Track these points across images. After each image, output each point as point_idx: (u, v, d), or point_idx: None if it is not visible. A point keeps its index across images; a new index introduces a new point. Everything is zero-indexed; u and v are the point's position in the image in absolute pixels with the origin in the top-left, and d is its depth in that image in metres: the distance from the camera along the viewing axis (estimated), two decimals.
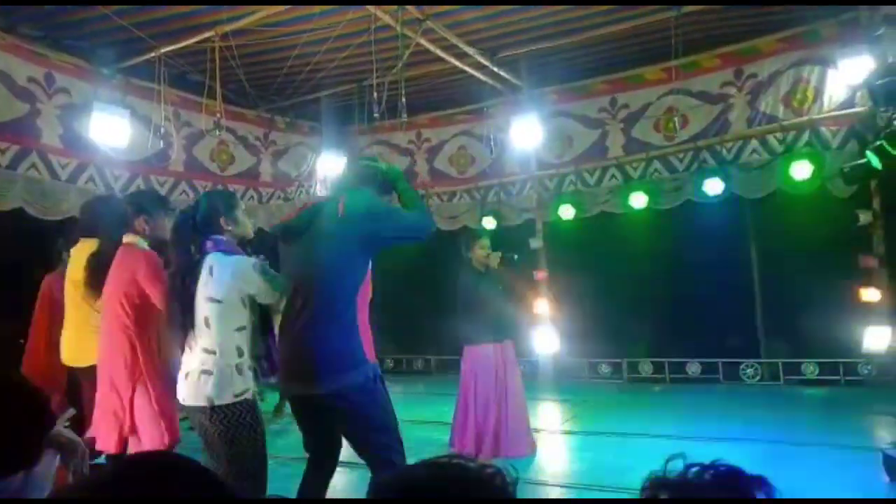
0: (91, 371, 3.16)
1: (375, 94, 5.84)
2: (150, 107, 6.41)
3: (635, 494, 0.76)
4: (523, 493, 0.78)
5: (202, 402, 2.38)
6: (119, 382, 2.95)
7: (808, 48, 6.30)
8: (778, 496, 0.70)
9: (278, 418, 5.76)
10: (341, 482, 4.35)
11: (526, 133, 6.82)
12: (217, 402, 2.36)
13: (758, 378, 7.01)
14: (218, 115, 6.06)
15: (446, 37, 5.90)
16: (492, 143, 7.87)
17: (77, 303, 3.37)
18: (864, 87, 5.59)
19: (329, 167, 7.92)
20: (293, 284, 2.51)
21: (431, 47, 6.08)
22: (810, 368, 6.79)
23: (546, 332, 7.53)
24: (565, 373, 7.79)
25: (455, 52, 6.33)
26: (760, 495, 0.70)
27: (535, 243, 7.80)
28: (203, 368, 2.39)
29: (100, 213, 3.49)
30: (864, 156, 5.15)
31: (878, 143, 4.58)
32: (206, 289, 2.42)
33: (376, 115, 5.85)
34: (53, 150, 5.91)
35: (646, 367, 7.54)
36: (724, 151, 6.75)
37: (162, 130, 6.35)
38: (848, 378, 6.54)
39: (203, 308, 2.43)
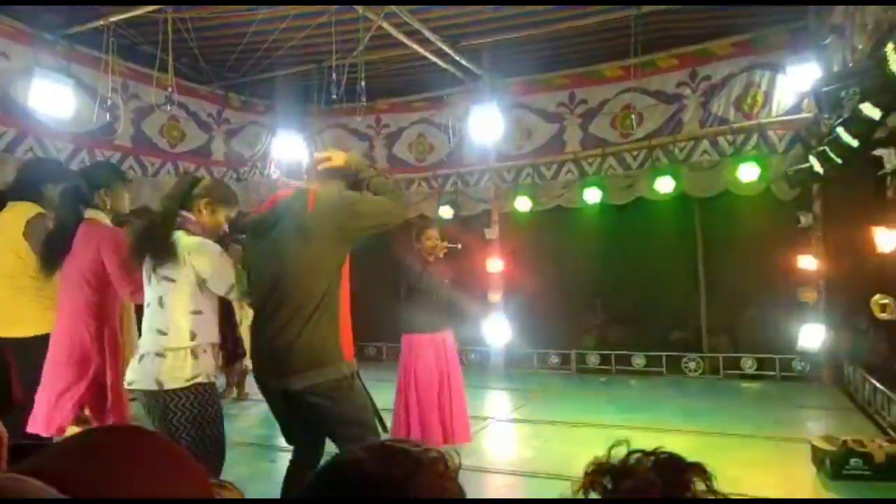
0: (26, 343, 3.05)
1: (334, 76, 5.75)
2: (97, 77, 6.13)
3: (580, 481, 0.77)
4: (472, 480, 0.78)
5: (149, 386, 2.30)
6: (80, 360, 2.83)
7: (759, 53, 6.50)
8: (714, 482, 0.72)
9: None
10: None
11: (485, 123, 6.83)
12: (167, 386, 2.29)
13: (699, 371, 7.25)
14: (169, 88, 5.84)
15: (409, 21, 5.83)
16: (451, 132, 7.85)
17: (11, 271, 3.20)
18: (810, 94, 5.80)
19: (284, 148, 7.77)
20: (266, 281, 2.44)
21: (393, 31, 6.01)
22: (748, 363, 7.05)
23: (497, 322, 7.59)
24: (515, 363, 7.88)
25: (417, 38, 6.27)
26: (698, 481, 0.71)
27: (491, 234, 7.84)
28: (156, 350, 2.33)
29: (41, 177, 3.31)
30: (807, 160, 5.36)
31: (821, 148, 4.76)
32: (163, 267, 2.34)
33: (335, 97, 5.75)
34: None
35: (593, 359, 7.70)
36: (677, 151, 6.91)
37: (108, 102, 6.08)
38: (783, 373, 6.83)
39: (159, 287, 2.35)
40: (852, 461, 3.56)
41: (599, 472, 0.73)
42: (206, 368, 2.39)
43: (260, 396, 2.69)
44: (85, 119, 6.09)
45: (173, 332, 2.34)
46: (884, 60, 3.17)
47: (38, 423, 2.80)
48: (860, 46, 4.14)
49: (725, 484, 0.77)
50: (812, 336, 6.35)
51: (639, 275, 7.35)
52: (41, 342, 3.01)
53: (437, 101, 8.05)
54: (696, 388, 6.83)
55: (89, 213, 2.95)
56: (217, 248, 2.44)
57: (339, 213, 2.43)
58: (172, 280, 2.36)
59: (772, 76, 6.42)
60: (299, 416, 2.53)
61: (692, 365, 7.28)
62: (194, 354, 2.35)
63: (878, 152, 4.22)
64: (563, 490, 0.78)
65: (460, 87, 7.57)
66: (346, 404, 2.43)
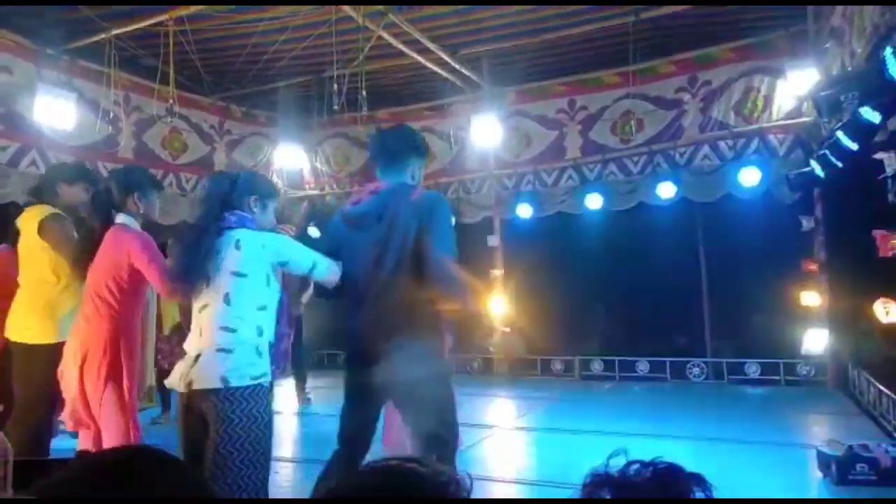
0: (28, 349, 3.04)
1: (335, 87, 5.78)
2: (99, 90, 6.18)
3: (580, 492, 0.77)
4: (476, 489, 0.78)
5: (214, 384, 2.18)
6: (91, 369, 2.75)
7: (759, 58, 6.52)
8: (715, 494, 0.72)
9: None
10: (298, 479, 4.30)
11: (485, 131, 6.85)
12: (233, 384, 2.18)
13: (703, 377, 7.22)
14: (171, 101, 5.88)
15: (408, 31, 5.86)
16: (451, 141, 7.87)
17: (35, 274, 3.14)
18: (809, 98, 5.81)
19: (286, 158, 7.80)
20: (369, 271, 2.41)
21: (393, 41, 6.04)
22: (753, 368, 7.03)
23: (502, 329, 7.58)
24: (519, 370, 7.87)
25: (417, 48, 6.30)
26: (698, 492, 0.71)
27: (493, 241, 7.85)
28: (220, 347, 2.23)
29: (56, 178, 3.26)
30: (808, 164, 5.36)
31: (822, 152, 4.77)
32: (231, 263, 2.28)
33: (336, 107, 5.78)
34: None
35: (597, 365, 7.68)
36: (678, 156, 6.92)
37: (110, 115, 6.12)
38: (788, 378, 6.80)
39: (225, 283, 2.28)
40: (858, 466, 3.54)
41: (598, 483, 0.73)
42: (268, 368, 2.32)
43: None
44: (87, 132, 6.13)
45: (242, 328, 2.27)
46: (883, 64, 3.18)
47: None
48: (859, 50, 4.15)
49: (731, 490, 0.77)
50: (816, 340, 6.33)
51: (641, 280, 7.34)
52: (43, 351, 2.99)
53: (438, 110, 8.08)
54: (701, 393, 6.80)
55: (120, 218, 2.84)
56: (287, 237, 2.48)
57: (435, 218, 2.42)
58: (243, 275, 2.30)
59: (771, 81, 6.43)
60: (376, 412, 2.53)
61: (696, 370, 7.26)
62: (259, 352, 2.29)
63: (878, 156, 4.22)
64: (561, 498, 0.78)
65: (460, 96, 7.60)
66: (433, 399, 2.44)
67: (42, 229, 3.07)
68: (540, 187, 7.64)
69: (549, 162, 7.61)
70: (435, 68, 6.77)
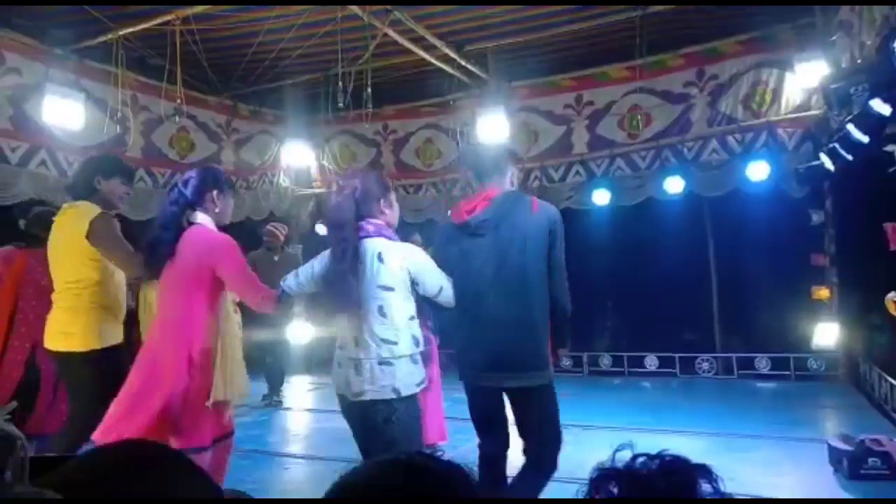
0: (73, 358, 2.91)
1: (341, 84, 5.78)
2: (107, 90, 6.21)
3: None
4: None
5: (387, 395, 2.31)
6: (173, 374, 2.60)
7: (767, 51, 6.46)
8: (721, 484, 0.72)
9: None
10: (306, 476, 4.32)
11: (492, 127, 6.83)
12: (403, 393, 2.32)
13: (713, 372, 7.20)
14: (178, 100, 5.90)
15: (414, 28, 5.86)
16: (458, 137, 7.86)
17: (72, 277, 2.96)
18: (818, 90, 5.76)
19: (293, 156, 7.81)
20: (487, 279, 2.48)
21: (399, 38, 6.03)
22: (763, 363, 7.00)
23: None
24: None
25: (423, 44, 6.29)
26: (704, 483, 0.71)
27: None
28: (383, 359, 2.33)
29: (94, 172, 3.06)
30: (817, 158, 5.32)
31: (832, 145, 4.73)
32: (378, 276, 2.35)
33: (342, 105, 5.78)
34: (3, 132, 5.68)
35: (605, 361, 7.66)
36: (686, 150, 6.88)
37: (119, 115, 6.15)
38: (798, 372, 6.77)
39: (376, 296, 2.35)
40: (870, 461, 3.53)
41: (604, 477, 0.73)
42: (424, 373, 2.44)
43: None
44: (96, 132, 6.16)
45: (401, 339, 2.36)
46: (893, 56, 3.15)
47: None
48: (868, 42, 4.11)
49: (742, 485, 0.77)
50: (826, 334, 6.29)
51: (649, 276, 7.31)
52: (91, 358, 2.89)
53: (444, 107, 8.07)
54: (710, 388, 6.78)
55: (197, 218, 2.71)
56: (420, 251, 2.52)
57: (554, 228, 2.56)
58: (391, 288, 2.37)
59: (780, 74, 6.37)
60: (501, 413, 2.61)
61: (705, 365, 7.23)
62: (415, 360, 2.39)
63: (888, 148, 4.18)
64: (573, 494, 0.78)
65: (467, 92, 7.58)
66: (546, 409, 2.57)
67: (93, 230, 2.87)
68: (547, 183, 7.61)
69: (556, 157, 7.58)
70: (441, 65, 6.75)
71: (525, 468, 2.60)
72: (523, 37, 6.43)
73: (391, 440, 2.30)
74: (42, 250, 3.21)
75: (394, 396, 2.31)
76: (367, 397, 2.32)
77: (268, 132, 8.31)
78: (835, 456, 3.70)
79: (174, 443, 2.51)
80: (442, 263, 2.52)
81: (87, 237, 2.87)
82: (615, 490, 0.72)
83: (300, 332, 8.49)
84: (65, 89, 5.58)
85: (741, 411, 5.57)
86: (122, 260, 2.90)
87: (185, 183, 2.70)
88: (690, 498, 0.70)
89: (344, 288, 2.33)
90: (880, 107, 3.64)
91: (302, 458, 4.62)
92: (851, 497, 3.41)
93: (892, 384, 4.92)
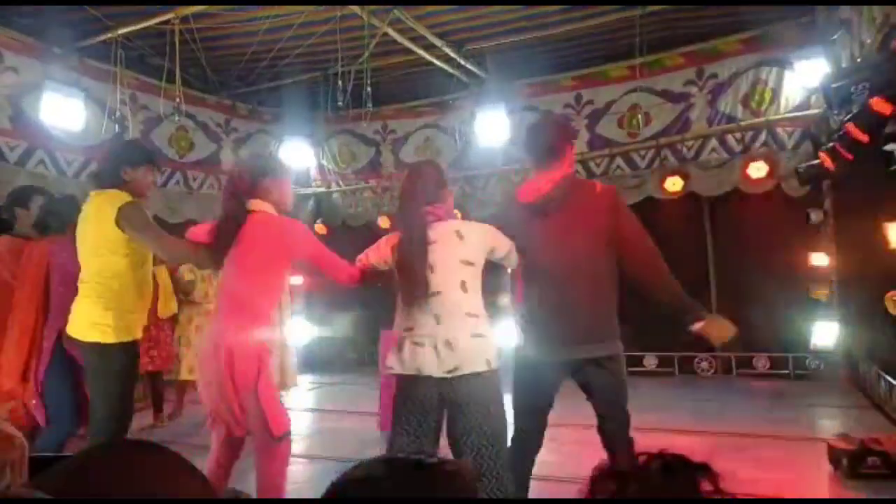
0: (102, 349, 2.85)
1: (340, 83, 5.77)
2: (106, 89, 6.20)
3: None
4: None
5: (480, 367, 2.36)
6: (256, 363, 2.59)
7: (767, 50, 6.46)
8: (721, 483, 0.71)
9: None
10: (305, 476, 4.32)
11: (491, 127, 6.83)
12: (493, 365, 2.40)
13: (712, 371, 7.20)
14: (177, 99, 5.89)
15: (413, 27, 5.85)
16: (457, 136, 7.85)
17: (102, 267, 2.89)
18: (819, 89, 5.75)
19: (292, 155, 7.80)
20: (559, 255, 2.56)
21: (398, 37, 6.03)
22: (761, 362, 7.00)
23: (508, 323, 7.57)
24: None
25: (422, 44, 6.29)
26: (706, 483, 0.71)
27: None
28: (474, 332, 2.39)
29: (120, 161, 2.99)
30: (817, 157, 5.31)
31: (831, 144, 4.72)
32: (459, 251, 2.43)
33: (341, 104, 5.78)
34: (1, 131, 5.66)
35: None
36: (685, 150, 6.88)
37: (118, 114, 6.14)
38: (797, 372, 6.77)
39: (458, 271, 2.42)
40: (869, 460, 3.52)
41: (605, 476, 0.72)
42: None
43: None
44: (95, 131, 6.15)
45: (482, 313, 2.46)
46: (894, 54, 3.15)
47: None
48: (869, 41, 4.11)
49: (741, 485, 0.76)
50: (825, 334, 6.29)
51: None
52: (121, 349, 2.86)
53: (443, 106, 8.06)
54: (709, 387, 6.77)
55: (255, 205, 2.70)
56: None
57: (613, 210, 2.62)
58: (472, 263, 2.46)
59: (780, 73, 6.37)
60: (557, 392, 2.71)
61: (704, 365, 7.23)
62: (493, 332, 2.50)
63: (889, 147, 4.17)
64: (573, 493, 0.78)
65: (466, 92, 7.57)
66: (620, 377, 2.66)
67: (123, 215, 2.80)
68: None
69: None
70: (440, 64, 6.75)
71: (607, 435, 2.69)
72: (523, 36, 6.43)
73: (486, 412, 2.35)
74: (64, 237, 3.22)
75: (486, 368, 2.37)
76: (464, 371, 2.35)
77: (267, 131, 8.30)
78: (834, 455, 3.70)
79: (266, 430, 2.54)
80: (518, 244, 2.61)
81: (117, 223, 2.80)
82: (615, 489, 0.71)
83: (299, 332, 8.50)
84: (64, 88, 5.57)
85: (740, 410, 5.57)
86: (155, 244, 2.85)
87: (240, 174, 2.76)
88: (691, 497, 0.69)
89: (415, 273, 2.40)
90: (881, 106, 3.63)
91: (302, 457, 4.62)
92: (851, 496, 3.41)
93: (891, 383, 4.92)
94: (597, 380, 2.63)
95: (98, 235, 2.87)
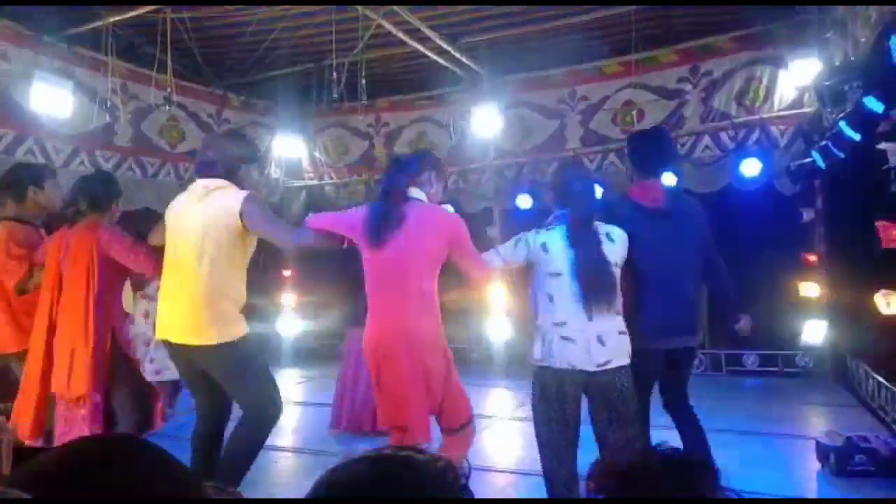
0: (226, 349, 2.72)
1: (334, 75, 5.74)
2: (96, 78, 6.13)
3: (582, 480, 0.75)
4: (474, 479, 0.76)
5: (625, 361, 2.58)
6: (439, 353, 2.60)
7: (761, 48, 6.46)
8: (720, 479, 0.70)
9: None
10: (294, 469, 4.30)
11: (485, 121, 6.81)
12: (630, 359, 2.61)
13: (701, 368, 7.22)
14: (168, 89, 5.84)
15: (408, 20, 5.81)
16: (451, 130, 7.82)
17: (222, 257, 2.74)
18: (812, 88, 5.77)
19: (285, 148, 7.76)
20: (669, 256, 2.85)
21: (393, 29, 5.99)
22: (751, 360, 7.03)
23: (498, 319, 7.57)
24: (518, 360, 7.85)
25: (417, 36, 6.25)
26: (707, 479, 0.70)
27: (493, 232, 7.82)
28: (620, 329, 2.60)
29: (237, 158, 2.84)
30: (809, 155, 5.33)
31: (824, 143, 4.74)
32: (610, 255, 2.61)
33: (335, 96, 5.74)
34: None
35: None
36: (679, 147, 6.88)
37: (108, 103, 6.08)
38: (786, 369, 6.80)
39: (612, 273, 2.61)
40: (857, 457, 3.55)
41: (603, 473, 0.71)
42: None
43: None
44: (84, 120, 6.09)
45: (622, 310, 2.65)
46: (888, 53, 3.15)
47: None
48: (863, 39, 4.11)
49: (728, 481, 0.75)
50: (815, 332, 6.33)
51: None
52: (237, 348, 2.74)
53: (438, 99, 8.03)
54: (698, 384, 6.74)
55: (415, 193, 2.69)
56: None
57: (703, 222, 3.04)
58: (619, 265, 2.69)
59: (773, 71, 6.38)
60: (658, 374, 2.97)
61: (694, 362, 7.25)
62: None
63: (881, 146, 4.19)
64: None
65: (460, 85, 7.54)
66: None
67: (247, 208, 2.69)
68: (540, 178, 7.59)
69: (549, 152, 7.56)
70: (435, 57, 6.71)
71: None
72: (518, 30, 6.41)
73: (629, 403, 2.57)
74: (109, 228, 3.06)
75: (628, 362, 2.59)
76: (614, 365, 2.54)
77: (259, 123, 8.24)
78: (822, 452, 3.72)
79: (457, 418, 2.65)
80: (632, 242, 2.76)
81: (242, 216, 2.68)
82: (614, 485, 0.70)
83: (289, 325, 8.48)
84: (53, 77, 5.50)
85: (729, 408, 5.59)
86: (283, 232, 2.82)
87: (408, 162, 2.77)
88: (691, 496, 0.68)
89: (602, 276, 2.56)
90: (873, 104, 3.64)
91: (292, 451, 4.60)
92: (839, 494, 3.43)
93: (878, 381, 4.96)
94: (685, 366, 3.09)
95: (216, 229, 2.71)
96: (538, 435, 2.65)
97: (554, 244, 2.65)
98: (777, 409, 5.51)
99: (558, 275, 2.60)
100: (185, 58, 6.60)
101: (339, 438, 4.73)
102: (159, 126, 7.14)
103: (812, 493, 3.52)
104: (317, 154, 8.54)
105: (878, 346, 5.57)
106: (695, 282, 2.99)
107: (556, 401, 2.56)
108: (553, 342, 2.55)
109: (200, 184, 2.84)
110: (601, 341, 2.53)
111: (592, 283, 2.54)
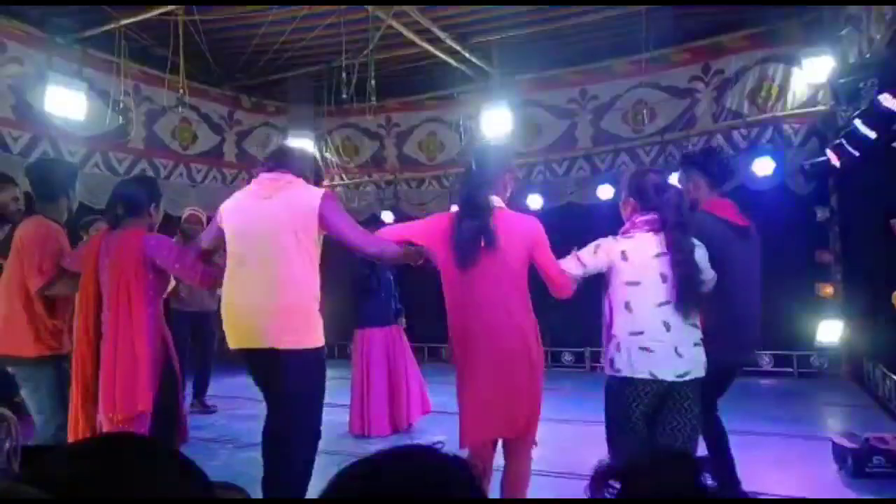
0: (307, 357, 2.71)
1: (344, 76, 5.75)
2: (109, 80, 6.18)
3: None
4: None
5: (702, 373, 2.55)
6: (524, 357, 2.59)
7: (773, 46, 6.41)
8: (722, 479, 0.69)
9: None
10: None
11: (495, 121, 6.79)
12: (705, 372, 2.60)
13: None
14: (181, 91, 5.88)
15: (419, 20, 5.82)
16: (461, 130, 7.82)
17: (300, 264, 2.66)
18: (825, 86, 5.71)
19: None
20: (749, 273, 2.95)
21: (403, 30, 5.99)
22: (766, 360, 6.96)
23: None
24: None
25: (427, 37, 6.25)
26: (708, 478, 0.69)
27: None
28: (695, 341, 2.56)
29: (304, 168, 2.80)
30: (823, 154, 5.28)
31: (838, 141, 4.69)
32: (702, 265, 2.61)
33: (345, 97, 5.76)
34: (5, 121, 5.67)
35: None
36: (690, 146, 6.83)
37: (121, 105, 6.13)
38: (801, 370, 6.73)
39: (703, 282, 2.61)
40: (875, 459, 3.50)
41: (607, 472, 0.70)
42: None
43: None
44: (98, 122, 6.14)
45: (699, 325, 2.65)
46: None
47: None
48: (878, 36, 4.06)
49: (745, 483, 0.74)
50: (830, 331, 6.26)
51: None
52: (318, 358, 2.73)
53: (448, 100, 8.03)
54: None
55: (496, 202, 2.57)
56: None
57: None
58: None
59: (786, 69, 6.32)
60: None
61: None
62: None
63: None
64: (576, 489, 0.76)
65: (470, 85, 7.54)
66: None
67: (328, 205, 2.61)
68: (550, 178, 7.58)
69: (559, 152, 7.54)
70: (445, 57, 6.71)
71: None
72: (528, 30, 6.39)
73: (696, 414, 2.57)
74: (155, 236, 2.88)
75: (703, 374, 2.56)
76: (692, 376, 2.52)
77: (270, 124, 8.28)
78: (839, 454, 3.68)
79: (532, 432, 2.69)
80: (722, 257, 2.74)
81: (321, 213, 2.57)
82: (618, 485, 0.69)
83: None
84: (67, 79, 5.56)
85: (743, 408, 5.53)
86: (361, 233, 2.69)
87: (488, 173, 2.61)
88: (691, 495, 0.67)
89: (694, 284, 2.54)
90: (889, 102, 3.60)
91: None
92: (856, 495, 3.39)
93: (895, 381, 4.89)
94: (736, 375, 3.06)
95: (293, 229, 2.58)
96: (611, 441, 2.62)
97: (635, 252, 2.58)
98: (792, 409, 5.45)
99: (637, 283, 2.55)
100: (197, 60, 6.65)
101: (354, 440, 4.73)
102: (172, 128, 7.20)
103: (830, 496, 3.48)
104: (328, 155, 8.56)
105: (894, 345, 5.50)
106: (761, 297, 3.09)
107: (634, 409, 2.53)
108: (632, 351, 2.51)
109: (266, 177, 2.68)
110: (678, 352, 2.51)
111: (685, 291, 2.50)
